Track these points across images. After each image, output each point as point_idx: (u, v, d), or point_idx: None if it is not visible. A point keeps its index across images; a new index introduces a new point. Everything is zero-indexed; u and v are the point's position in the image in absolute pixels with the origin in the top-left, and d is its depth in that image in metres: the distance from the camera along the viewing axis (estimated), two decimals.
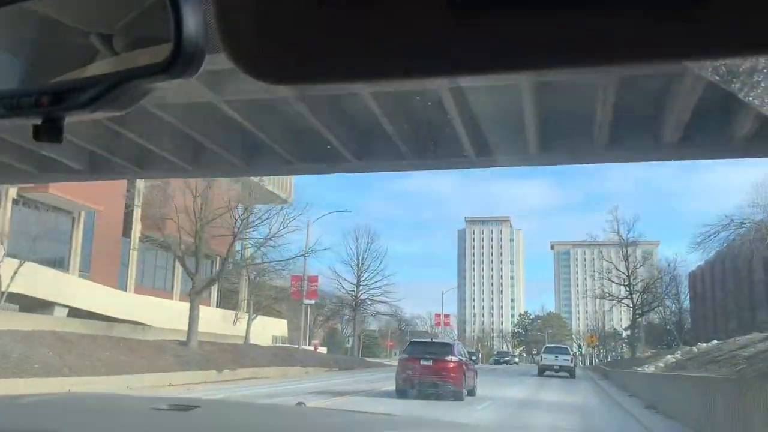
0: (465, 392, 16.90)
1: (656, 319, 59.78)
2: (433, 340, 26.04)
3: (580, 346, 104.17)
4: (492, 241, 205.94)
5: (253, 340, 33.85)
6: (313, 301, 52.49)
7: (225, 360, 25.60)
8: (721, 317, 56.49)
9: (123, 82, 0.64)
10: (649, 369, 21.17)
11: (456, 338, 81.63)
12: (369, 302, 46.81)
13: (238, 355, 27.76)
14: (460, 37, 0.44)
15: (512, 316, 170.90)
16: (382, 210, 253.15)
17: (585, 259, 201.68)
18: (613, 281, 44.69)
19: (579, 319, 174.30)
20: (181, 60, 0.58)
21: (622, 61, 0.46)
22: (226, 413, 1.27)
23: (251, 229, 33.48)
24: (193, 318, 25.55)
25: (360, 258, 47.05)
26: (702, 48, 0.43)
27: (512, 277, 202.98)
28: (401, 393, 16.64)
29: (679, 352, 25.33)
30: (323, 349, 60.95)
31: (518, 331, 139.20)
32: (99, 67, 0.69)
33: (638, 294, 43.03)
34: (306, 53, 0.48)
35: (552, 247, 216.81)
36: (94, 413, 1.20)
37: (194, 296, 25.76)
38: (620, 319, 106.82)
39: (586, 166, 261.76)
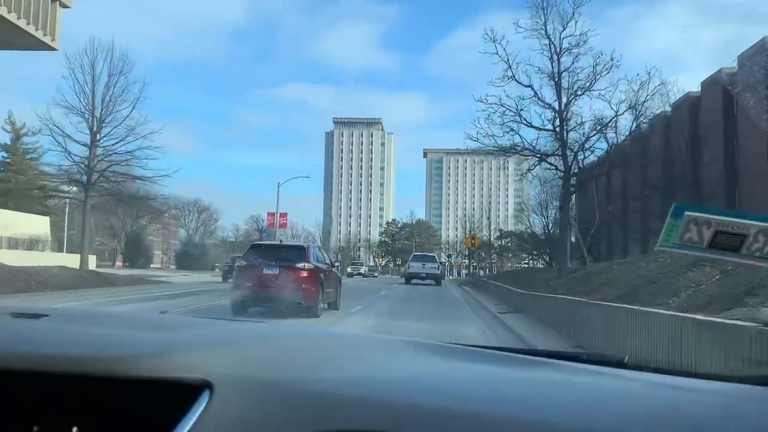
0: (322, 307, 13.65)
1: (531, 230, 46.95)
2: (282, 242, 19.25)
3: (449, 256, 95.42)
4: (362, 145, 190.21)
5: None
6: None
7: None
8: (619, 229, 45.81)
9: None
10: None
11: (320, 245, 66.86)
12: (111, 176, 27.91)
13: None
14: None
15: (380, 225, 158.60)
16: (253, 119, 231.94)
17: (458, 168, 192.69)
18: (532, 126, 24.38)
19: (449, 230, 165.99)
20: None
21: None
22: (81, 322, 1.15)
23: None
24: None
25: (99, 105, 27.74)
26: None
27: (382, 184, 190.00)
28: (237, 310, 13.05)
29: None
30: (92, 259, 42.12)
31: (385, 241, 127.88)
32: None
33: (577, 146, 23.94)
34: None
35: (425, 155, 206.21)
36: None
37: None
38: (489, 231, 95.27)
39: (463, 82, 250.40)
